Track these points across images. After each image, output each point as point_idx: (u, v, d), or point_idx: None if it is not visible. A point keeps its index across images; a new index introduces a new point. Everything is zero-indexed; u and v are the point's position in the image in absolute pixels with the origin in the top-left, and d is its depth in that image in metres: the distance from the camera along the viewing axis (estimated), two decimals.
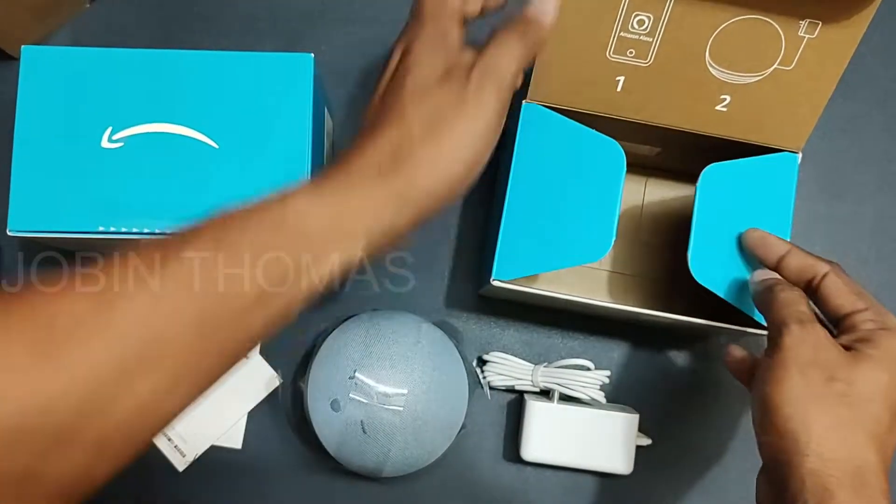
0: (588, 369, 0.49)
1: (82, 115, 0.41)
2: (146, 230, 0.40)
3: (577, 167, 0.41)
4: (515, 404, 0.51)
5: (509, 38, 0.33)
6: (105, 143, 0.41)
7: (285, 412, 0.51)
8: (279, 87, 0.41)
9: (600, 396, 0.49)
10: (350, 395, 0.44)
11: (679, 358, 0.52)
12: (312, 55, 0.42)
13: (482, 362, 0.51)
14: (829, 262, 0.38)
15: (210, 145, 0.41)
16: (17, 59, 0.42)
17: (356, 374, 0.44)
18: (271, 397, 0.51)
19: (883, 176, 0.54)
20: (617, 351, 0.52)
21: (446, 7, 0.34)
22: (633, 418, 0.48)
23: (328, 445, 0.46)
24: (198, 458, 0.50)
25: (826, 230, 0.53)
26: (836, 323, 0.36)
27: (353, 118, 0.53)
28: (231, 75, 0.41)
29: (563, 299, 0.43)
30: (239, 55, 0.42)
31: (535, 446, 0.48)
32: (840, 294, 0.37)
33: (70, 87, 0.41)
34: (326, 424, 0.45)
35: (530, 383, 0.49)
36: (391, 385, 0.44)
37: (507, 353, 0.51)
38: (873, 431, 0.33)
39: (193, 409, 0.49)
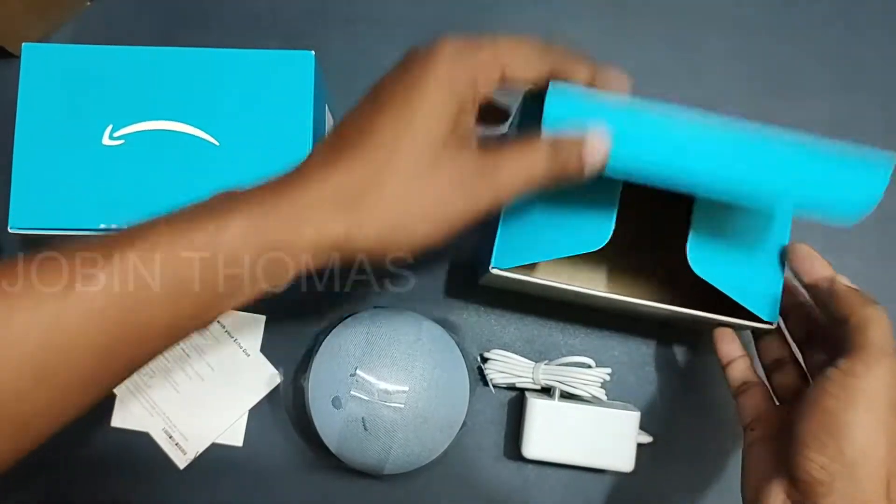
0: (589, 367, 0.49)
1: (83, 112, 0.41)
2: None
3: None
4: (516, 402, 0.51)
5: (537, 151, 0.32)
6: (106, 141, 0.41)
7: (286, 410, 0.51)
8: (280, 85, 0.41)
9: (601, 394, 0.49)
10: (351, 392, 0.44)
11: (680, 355, 0.52)
12: (313, 53, 0.42)
13: (483, 360, 0.51)
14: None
15: (211, 142, 0.41)
16: (17, 57, 0.42)
17: (357, 371, 0.44)
18: (272, 395, 0.51)
19: None
20: (618, 348, 0.52)
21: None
22: (634, 416, 0.48)
23: (329, 443, 0.46)
24: (199, 456, 0.50)
25: (826, 227, 0.53)
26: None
27: None
28: (232, 72, 0.41)
29: (563, 289, 0.43)
30: (240, 52, 0.42)
31: (536, 444, 0.48)
32: None
33: (71, 84, 0.41)
34: (327, 422, 0.45)
35: (531, 381, 0.49)
36: (392, 382, 0.44)
37: (507, 350, 0.51)
38: None
39: (195, 408, 0.50)
